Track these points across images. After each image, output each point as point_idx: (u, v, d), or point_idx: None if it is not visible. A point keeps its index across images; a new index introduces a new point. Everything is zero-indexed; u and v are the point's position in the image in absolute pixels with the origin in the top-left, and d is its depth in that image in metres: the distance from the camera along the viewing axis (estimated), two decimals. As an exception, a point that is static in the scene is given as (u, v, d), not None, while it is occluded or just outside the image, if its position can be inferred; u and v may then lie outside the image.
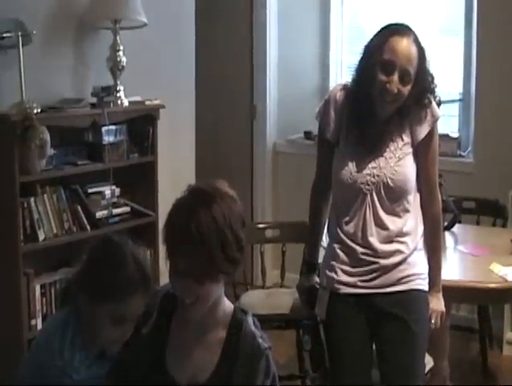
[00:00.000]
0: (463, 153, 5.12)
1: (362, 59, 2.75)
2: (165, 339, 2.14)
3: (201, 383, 2.10)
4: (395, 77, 2.63)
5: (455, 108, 5.25)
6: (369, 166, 2.73)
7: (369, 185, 2.72)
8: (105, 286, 2.10)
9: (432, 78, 2.75)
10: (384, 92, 2.64)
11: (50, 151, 3.69)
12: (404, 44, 2.65)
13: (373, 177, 2.72)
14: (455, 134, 5.15)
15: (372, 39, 2.74)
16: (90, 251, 2.22)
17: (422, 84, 2.70)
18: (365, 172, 2.72)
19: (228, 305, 2.18)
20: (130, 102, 4.23)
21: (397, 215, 2.75)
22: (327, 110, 2.81)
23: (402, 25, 2.74)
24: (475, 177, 4.93)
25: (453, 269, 3.60)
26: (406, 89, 2.66)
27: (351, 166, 2.73)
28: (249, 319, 2.15)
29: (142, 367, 2.13)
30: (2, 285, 3.73)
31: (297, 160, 5.59)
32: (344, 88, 2.82)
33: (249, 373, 2.08)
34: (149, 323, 2.14)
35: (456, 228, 4.08)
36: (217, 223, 1.98)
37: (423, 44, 2.71)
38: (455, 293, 3.22)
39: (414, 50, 2.66)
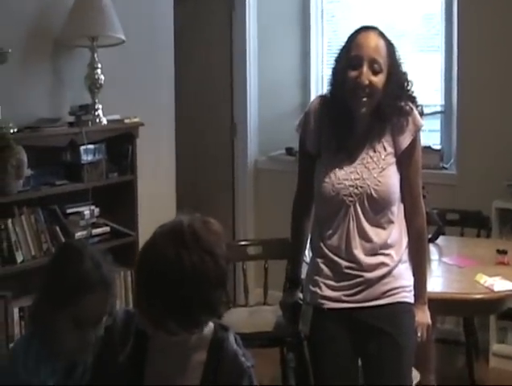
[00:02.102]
0: (446, 166, 5.11)
1: (334, 67, 2.75)
2: (142, 366, 2.05)
3: None
4: (364, 69, 2.61)
5: (436, 122, 5.25)
6: (352, 177, 2.69)
7: (352, 197, 2.68)
8: (61, 288, 2.09)
9: (406, 76, 2.72)
10: (356, 86, 2.61)
11: (27, 172, 3.66)
12: (370, 37, 2.64)
13: (357, 188, 2.67)
14: (437, 146, 5.14)
15: (341, 47, 2.74)
16: (50, 259, 2.24)
17: (396, 80, 2.67)
18: (347, 183, 2.68)
19: (207, 324, 2.07)
20: (108, 120, 4.20)
21: (381, 226, 2.71)
22: (307, 122, 2.77)
23: (367, 25, 2.73)
24: (458, 189, 4.93)
25: (438, 281, 3.56)
26: (379, 80, 2.62)
27: (333, 178, 2.69)
28: (231, 337, 2.07)
29: None
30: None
31: (279, 177, 5.55)
32: (323, 98, 2.80)
33: None
34: (125, 350, 2.05)
35: (441, 240, 4.06)
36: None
37: (391, 41, 2.70)
38: (441, 305, 3.20)
39: (381, 42, 2.65)
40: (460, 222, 4.56)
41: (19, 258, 3.70)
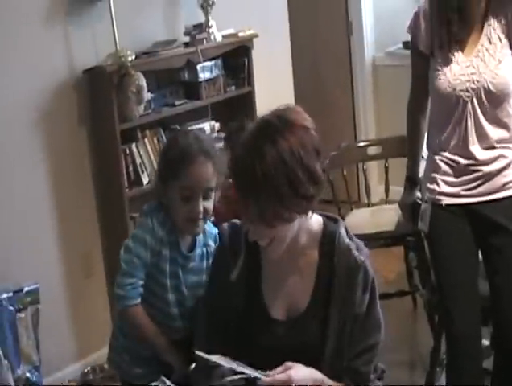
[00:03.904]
0: None
1: None
2: (258, 276, 2.03)
3: (300, 313, 1.99)
4: None
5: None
6: (468, 72, 2.66)
7: (468, 92, 2.66)
8: (167, 163, 2.26)
9: None
10: None
11: (147, 96, 3.79)
12: None
13: (473, 83, 2.65)
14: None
15: None
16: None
17: None
18: (464, 79, 2.66)
19: (315, 220, 1.99)
20: (223, 36, 4.25)
21: (499, 121, 2.70)
22: (417, 21, 2.76)
23: None
24: None
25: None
26: None
27: (448, 75, 2.68)
28: (342, 230, 1.98)
29: (240, 308, 2.02)
30: (111, 231, 3.89)
31: (397, 72, 5.47)
32: None
33: (346, 291, 1.93)
34: (238, 264, 2.03)
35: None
36: (285, 162, 1.78)
37: None
38: None
39: None
40: None
41: (145, 180, 3.87)
